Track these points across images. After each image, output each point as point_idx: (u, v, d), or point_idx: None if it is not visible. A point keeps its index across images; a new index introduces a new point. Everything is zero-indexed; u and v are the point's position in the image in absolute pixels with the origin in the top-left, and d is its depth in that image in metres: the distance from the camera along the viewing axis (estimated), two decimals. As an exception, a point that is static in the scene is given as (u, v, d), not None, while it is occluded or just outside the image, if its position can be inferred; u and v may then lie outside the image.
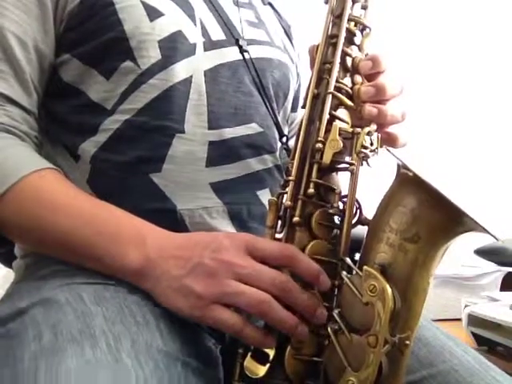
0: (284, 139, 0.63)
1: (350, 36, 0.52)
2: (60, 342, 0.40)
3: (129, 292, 0.47)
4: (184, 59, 0.57)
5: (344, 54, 0.52)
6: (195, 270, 0.45)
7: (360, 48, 0.52)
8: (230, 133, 0.58)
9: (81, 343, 0.40)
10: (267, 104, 0.62)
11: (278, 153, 0.63)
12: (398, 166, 0.46)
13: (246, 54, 0.61)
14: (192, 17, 0.59)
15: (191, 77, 0.57)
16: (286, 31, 0.74)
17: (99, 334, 0.41)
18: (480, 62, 1.87)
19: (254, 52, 0.62)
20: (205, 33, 0.60)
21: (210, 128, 0.57)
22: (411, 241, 0.44)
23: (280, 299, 0.44)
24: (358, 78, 0.52)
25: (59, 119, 0.58)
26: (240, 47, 0.61)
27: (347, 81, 0.52)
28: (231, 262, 0.44)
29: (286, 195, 0.49)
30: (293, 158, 0.49)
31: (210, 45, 0.59)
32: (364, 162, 0.50)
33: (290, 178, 0.48)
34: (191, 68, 0.57)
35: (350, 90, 0.52)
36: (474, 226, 0.42)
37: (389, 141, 0.54)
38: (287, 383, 0.46)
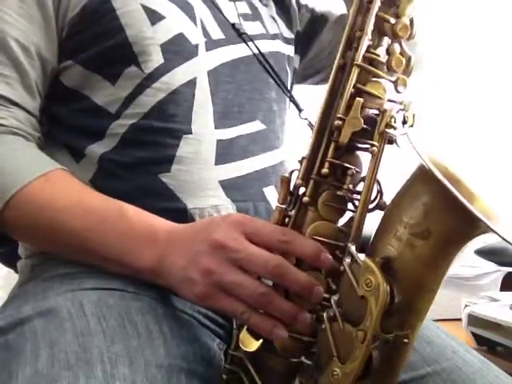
0: (302, 114, 0.60)
1: (389, 0, 0.46)
2: (56, 369, 0.40)
3: (134, 298, 0.48)
4: (186, 62, 0.57)
5: (381, 20, 0.46)
6: (194, 258, 0.45)
7: (400, 14, 0.47)
8: (236, 131, 0.58)
9: (76, 372, 0.40)
10: (272, 94, 0.61)
11: (281, 148, 0.62)
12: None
13: (249, 49, 0.60)
14: (192, 17, 0.58)
15: (195, 78, 0.57)
16: (278, 4, 0.71)
17: (96, 359, 0.41)
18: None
19: (252, 49, 0.61)
20: (205, 33, 0.59)
21: (216, 127, 0.57)
22: (420, 236, 0.41)
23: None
24: (396, 48, 0.47)
25: (61, 121, 0.59)
26: (243, 40, 0.60)
27: (382, 50, 0.47)
28: (223, 243, 0.44)
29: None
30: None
31: (212, 44, 0.59)
32: (392, 141, 0.47)
33: (305, 155, 0.46)
34: (194, 70, 0.57)
35: (383, 61, 0.47)
36: (489, 231, 0.38)
37: None
38: (280, 358, 0.46)
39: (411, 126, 0.48)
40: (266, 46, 0.65)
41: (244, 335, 0.46)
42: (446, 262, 0.41)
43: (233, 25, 0.61)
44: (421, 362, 0.53)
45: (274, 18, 0.70)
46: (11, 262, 0.66)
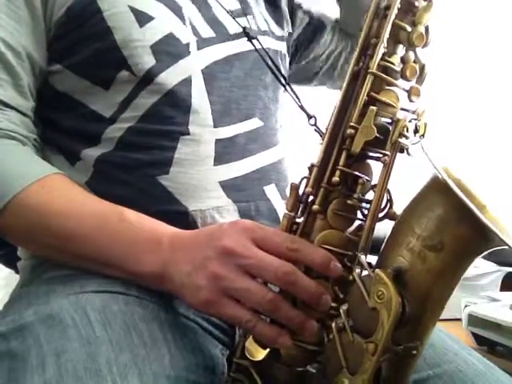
0: (312, 121, 0.59)
1: (407, 7, 0.46)
2: (65, 380, 0.39)
3: (137, 303, 0.48)
4: (179, 61, 0.55)
5: (397, 28, 0.46)
6: (202, 264, 0.44)
7: (416, 22, 0.46)
8: (234, 130, 0.57)
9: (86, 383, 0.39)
10: (265, 93, 0.60)
11: (279, 145, 0.62)
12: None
13: (241, 47, 0.59)
14: (181, 16, 0.57)
15: (190, 77, 0.56)
16: (271, 6, 0.70)
17: (104, 370, 0.40)
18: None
19: (244, 45, 0.60)
20: (195, 32, 0.57)
21: (215, 126, 0.56)
22: (433, 249, 0.40)
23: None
24: (411, 56, 0.47)
25: (55, 125, 0.58)
26: (247, 35, 0.59)
27: (396, 58, 0.46)
28: (233, 249, 0.43)
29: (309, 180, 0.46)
30: (323, 142, 0.46)
31: (203, 43, 0.58)
32: (404, 150, 0.47)
33: (315, 163, 0.46)
34: (188, 69, 0.56)
35: (398, 70, 0.46)
36: (502, 244, 0.38)
37: None
38: (286, 367, 0.46)
39: (422, 135, 0.48)
40: (256, 43, 0.63)
41: (250, 344, 0.46)
42: (456, 274, 0.41)
43: (244, 28, 0.60)
44: (423, 364, 0.53)
45: (262, 15, 0.68)
46: (11, 263, 0.65)
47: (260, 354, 0.45)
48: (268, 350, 0.45)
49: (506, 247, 0.39)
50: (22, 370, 0.42)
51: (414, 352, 0.42)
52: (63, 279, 0.51)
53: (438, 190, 0.40)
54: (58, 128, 0.58)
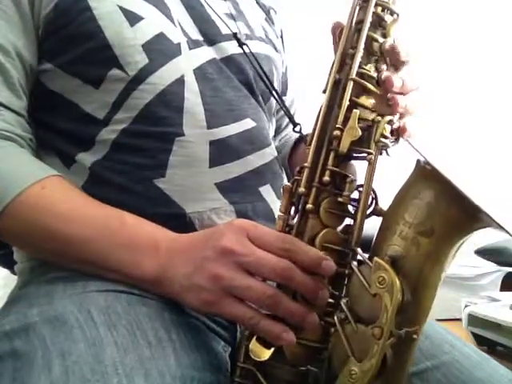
0: (297, 128, 0.61)
1: (377, 21, 0.51)
2: (71, 381, 0.39)
3: (141, 302, 0.47)
4: (171, 60, 0.56)
5: (370, 40, 0.50)
6: (201, 265, 0.45)
7: (386, 34, 0.51)
8: (228, 130, 0.57)
9: None
10: (255, 99, 0.62)
11: (273, 145, 0.63)
12: (417, 158, 0.45)
13: (228, 50, 0.60)
14: (170, 17, 0.58)
15: (182, 76, 0.56)
16: (266, 15, 0.73)
17: (111, 372, 0.39)
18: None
19: (235, 48, 0.61)
20: (184, 33, 0.59)
21: (208, 127, 0.56)
22: (425, 235, 0.43)
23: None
24: (383, 65, 0.51)
25: (49, 127, 0.57)
26: (238, 40, 0.60)
27: (371, 67, 0.51)
28: (232, 249, 0.44)
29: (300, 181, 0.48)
30: (309, 144, 0.49)
31: (193, 43, 0.59)
32: (383, 152, 0.50)
33: (306, 164, 0.48)
34: (180, 68, 0.57)
35: (374, 76, 0.50)
36: (490, 223, 0.41)
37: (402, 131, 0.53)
38: (290, 367, 0.46)
39: (396, 138, 0.52)
40: (250, 47, 0.63)
41: (254, 345, 0.46)
42: (447, 256, 0.44)
43: (234, 34, 0.61)
44: (420, 356, 0.54)
45: (263, 27, 0.70)
46: (8, 264, 0.63)
47: (265, 353, 0.45)
48: (272, 349, 0.45)
49: (496, 237, 0.42)
50: (28, 370, 0.41)
51: (415, 336, 0.44)
52: (63, 280, 0.50)
53: (424, 177, 0.44)
54: (53, 130, 0.57)
